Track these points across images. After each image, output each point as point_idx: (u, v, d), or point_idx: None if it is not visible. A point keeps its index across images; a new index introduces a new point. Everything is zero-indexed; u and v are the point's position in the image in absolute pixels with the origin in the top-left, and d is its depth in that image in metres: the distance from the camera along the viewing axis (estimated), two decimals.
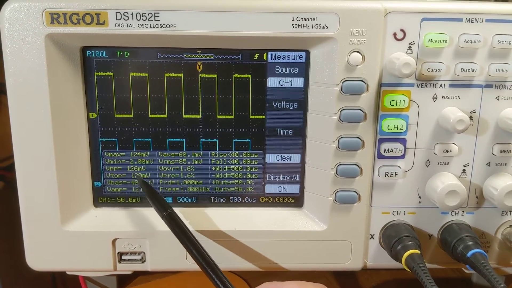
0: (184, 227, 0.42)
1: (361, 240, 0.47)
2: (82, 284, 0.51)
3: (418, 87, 0.43)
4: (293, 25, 0.41)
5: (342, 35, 0.41)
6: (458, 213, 0.47)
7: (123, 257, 0.47)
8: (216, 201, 0.49)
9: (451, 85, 0.43)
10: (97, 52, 0.44)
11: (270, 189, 0.48)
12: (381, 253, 0.47)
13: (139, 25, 0.41)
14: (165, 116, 0.46)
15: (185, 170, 0.47)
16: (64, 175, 0.45)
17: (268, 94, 0.45)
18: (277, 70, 0.45)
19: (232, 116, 0.46)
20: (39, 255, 0.46)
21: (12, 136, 0.43)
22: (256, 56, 0.44)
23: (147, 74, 0.44)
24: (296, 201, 0.49)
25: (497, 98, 0.44)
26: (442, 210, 0.45)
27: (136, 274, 0.55)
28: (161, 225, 0.46)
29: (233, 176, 0.48)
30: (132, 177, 0.47)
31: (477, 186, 0.46)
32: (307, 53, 0.44)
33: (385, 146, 0.44)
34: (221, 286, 0.37)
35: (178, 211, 0.48)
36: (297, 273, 0.56)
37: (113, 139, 0.46)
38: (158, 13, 0.41)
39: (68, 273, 0.49)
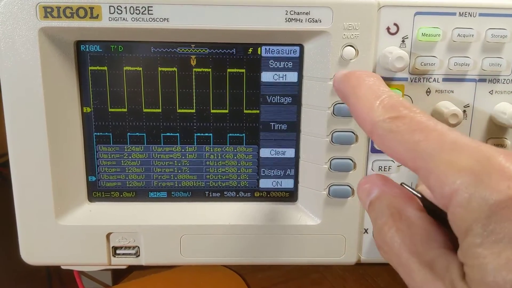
0: None
1: (355, 234, 0.47)
2: (77, 278, 0.51)
3: (411, 81, 0.43)
4: (287, 19, 0.41)
5: (335, 29, 0.41)
6: None
7: (117, 252, 0.47)
8: (210, 195, 0.49)
9: (445, 79, 0.43)
10: (91, 46, 0.44)
11: (265, 183, 0.49)
12: (375, 247, 0.47)
13: (133, 19, 0.41)
14: (159, 110, 0.46)
15: (179, 164, 0.47)
16: (58, 169, 0.45)
17: (262, 88, 0.46)
18: (271, 65, 0.45)
19: (226, 111, 0.46)
20: (34, 249, 0.46)
21: (6, 131, 0.43)
22: (250, 50, 0.44)
23: (141, 68, 0.44)
24: (290, 196, 0.49)
25: (491, 92, 0.44)
26: None
27: (131, 269, 0.55)
28: (155, 220, 0.47)
29: (227, 170, 0.48)
30: (127, 171, 0.47)
31: None
32: (301, 47, 0.44)
33: None
34: None
35: (172, 206, 0.48)
36: (292, 267, 0.57)
37: (108, 134, 0.46)
38: (152, 7, 0.41)
39: (63, 267, 0.49)
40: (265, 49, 0.44)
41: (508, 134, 0.45)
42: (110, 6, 0.41)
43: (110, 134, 0.46)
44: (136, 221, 0.47)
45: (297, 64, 0.45)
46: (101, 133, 0.46)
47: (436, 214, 0.28)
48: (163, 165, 0.47)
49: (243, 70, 0.45)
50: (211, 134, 0.47)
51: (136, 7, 0.41)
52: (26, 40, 0.41)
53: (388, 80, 0.43)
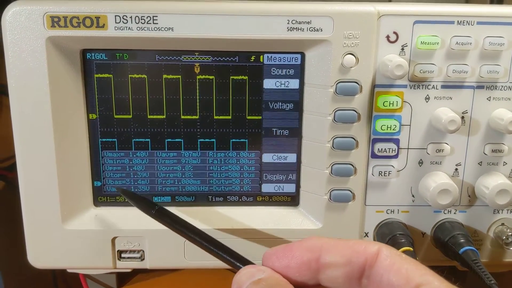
0: (176, 217, 0.40)
1: (356, 238, 0.48)
2: (82, 281, 0.52)
3: (410, 88, 0.44)
4: (289, 28, 0.42)
5: (336, 38, 0.42)
6: (450, 211, 0.48)
7: (122, 255, 0.48)
8: (213, 200, 0.49)
9: (443, 86, 0.44)
10: (97, 55, 0.45)
11: (267, 188, 0.49)
12: None
13: (138, 28, 0.42)
14: (164, 116, 0.46)
15: (183, 170, 0.48)
16: (65, 174, 0.45)
17: (264, 95, 0.46)
18: (273, 72, 0.46)
19: (229, 117, 0.47)
20: (40, 253, 0.47)
21: (14, 137, 0.44)
22: (252, 58, 0.45)
23: (145, 76, 0.45)
24: (292, 200, 0.50)
25: (489, 98, 0.45)
26: (435, 208, 0.46)
27: (136, 272, 0.56)
28: (159, 224, 0.47)
29: (230, 175, 0.49)
30: (132, 176, 0.48)
31: (469, 185, 0.47)
32: (302, 55, 0.45)
33: (378, 146, 0.45)
34: (231, 259, 0.35)
35: (176, 210, 0.49)
36: None
37: (113, 140, 0.47)
38: (157, 16, 0.42)
39: (68, 270, 0.50)
40: (267, 57, 0.45)
41: (505, 139, 0.45)
42: (116, 16, 0.41)
43: (115, 140, 0.47)
44: (140, 225, 0.48)
45: (299, 72, 0.45)
46: (106, 139, 0.47)
47: None
48: (167, 170, 0.48)
49: (246, 77, 0.46)
50: (214, 140, 0.48)
51: (141, 16, 0.42)
52: (33, 48, 0.42)
53: (387, 87, 0.44)
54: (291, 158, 0.48)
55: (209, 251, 0.37)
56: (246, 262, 0.34)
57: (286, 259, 0.30)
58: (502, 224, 0.48)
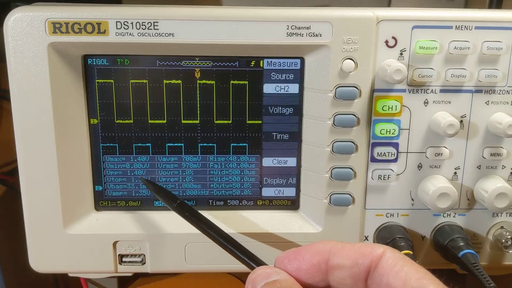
0: (196, 212, 0.42)
1: (356, 242, 0.48)
2: (84, 285, 0.52)
3: (409, 92, 0.44)
4: (288, 33, 0.43)
5: (335, 43, 0.43)
6: (450, 214, 0.48)
7: (123, 259, 0.48)
8: (214, 204, 0.50)
9: (442, 91, 0.45)
10: (98, 60, 0.45)
11: (267, 192, 0.50)
12: None
13: (139, 34, 0.42)
14: (164, 121, 0.47)
15: (183, 174, 0.49)
16: (66, 179, 0.46)
17: (264, 99, 0.47)
18: (273, 77, 0.46)
19: (230, 121, 0.47)
20: (42, 257, 0.47)
21: (15, 142, 0.44)
22: (252, 63, 0.46)
23: (146, 81, 0.46)
24: (292, 204, 0.50)
25: (487, 102, 0.45)
26: (434, 212, 0.47)
27: (136, 276, 0.56)
28: (161, 228, 0.48)
29: (230, 179, 0.49)
30: (133, 181, 0.48)
31: (468, 188, 0.47)
32: (302, 60, 0.45)
33: (378, 150, 0.45)
34: (246, 258, 0.36)
35: (177, 214, 0.49)
36: None
37: (114, 144, 0.47)
38: (157, 22, 0.42)
39: (70, 275, 0.50)
40: (267, 61, 0.46)
41: (504, 143, 0.46)
42: (117, 22, 0.42)
43: (117, 144, 0.47)
44: (142, 229, 0.48)
45: (298, 76, 0.46)
46: (107, 144, 0.47)
47: None
48: (168, 174, 0.49)
49: (246, 82, 0.46)
50: (214, 144, 0.48)
51: (143, 22, 0.42)
52: (35, 54, 0.42)
53: (386, 91, 0.44)
54: (291, 162, 0.49)
55: (225, 248, 0.38)
56: (260, 262, 0.35)
57: (297, 262, 0.31)
58: (501, 227, 0.48)
